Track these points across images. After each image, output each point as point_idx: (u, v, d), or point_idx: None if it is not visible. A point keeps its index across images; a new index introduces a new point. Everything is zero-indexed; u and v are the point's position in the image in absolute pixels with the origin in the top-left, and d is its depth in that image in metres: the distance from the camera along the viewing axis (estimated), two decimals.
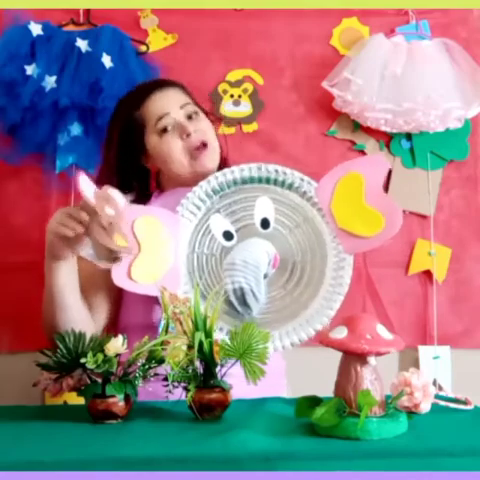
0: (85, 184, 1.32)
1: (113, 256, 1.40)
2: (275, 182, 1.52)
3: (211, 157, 1.59)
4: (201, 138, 1.58)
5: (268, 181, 1.52)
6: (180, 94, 1.63)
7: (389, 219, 1.45)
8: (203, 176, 1.55)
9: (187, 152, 1.58)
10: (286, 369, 1.67)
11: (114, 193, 1.33)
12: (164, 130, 1.59)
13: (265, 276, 1.46)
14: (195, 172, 1.58)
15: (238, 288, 1.42)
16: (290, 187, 1.51)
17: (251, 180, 1.52)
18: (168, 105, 1.59)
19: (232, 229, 1.51)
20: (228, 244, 1.50)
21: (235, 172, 1.52)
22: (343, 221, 1.48)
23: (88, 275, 1.50)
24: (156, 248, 1.47)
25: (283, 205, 1.52)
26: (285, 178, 1.51)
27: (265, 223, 1.51)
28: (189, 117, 1.59)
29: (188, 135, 1.57)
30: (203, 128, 1.60)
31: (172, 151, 1.59)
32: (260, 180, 1.52)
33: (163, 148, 1.59)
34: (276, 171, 1.51)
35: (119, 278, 1.44)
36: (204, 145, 1.58)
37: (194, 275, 1.49)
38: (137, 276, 1.44)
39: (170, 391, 1.22)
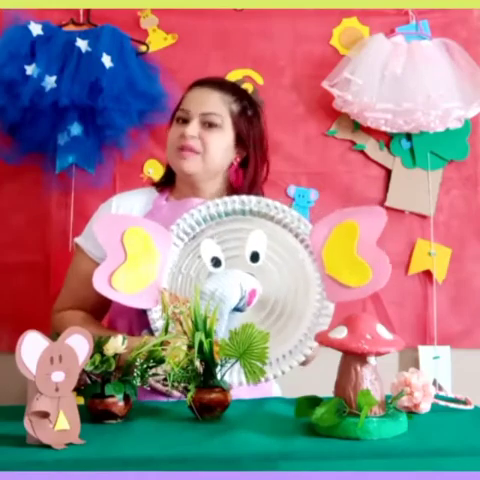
0: None
1: None
2: (272, 219, 1.52)
3: (194, 163, 1.58)
4: (192, 145, 1.57)
5: (265, 216, 1.52)
6: (220, 101, 1.60)
7: (377, 273, 1.44)
8: (187, 176, 1.59)
9: (177, 148, 1.59)
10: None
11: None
12: (178, 120, 1.61)
13: (239, 310, 1.45)
14: (178, 169, 1.61)
15: None
16: (286, 226, 1.51)
17: (250, 212, 1.52)
18: (194, 104, 1.60)
19: (221, 257, 1.50)
20: (215, 270, 1.49)
21: (236, 203, 1.52)
22: (331, 267, 1.47)
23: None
24: (142, 261, 1.45)
25: (276, 242, 1.51)
26: (283, 216, 1.51)
27: (255, 256, 1.50)
28: (209, 125, 1.59)
29: (182, 136, 1.58)
30: (208, 141, 1.58)
31: (169, 141, 1.62)
32: (258, 214, 1.52)
33: (169, 134, 1.64)
34: (275, 208, 1.51)
35: (100, 284, 1.43)
36: (191, 150, 1.58)
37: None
38: (118, 285, 1.43)
39: (170, 391, 1.22)
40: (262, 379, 1.40)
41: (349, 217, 1.48)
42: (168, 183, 1.67)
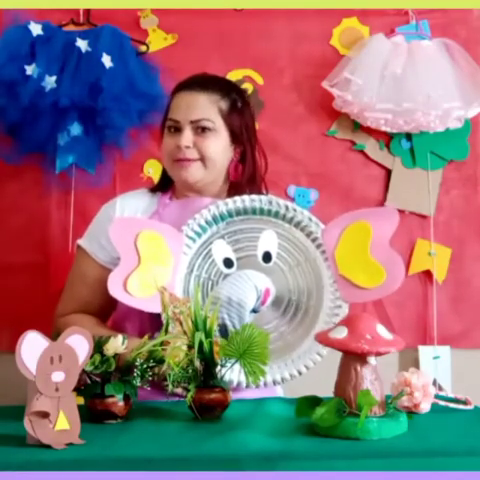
0: None
1: None
2: (283, 217, 1.51)
3: (195, 171, 1.56)
4: (188, 156, 1.55)
5: (276, 215, 1.51)
6: (207, 103, 1.56)
7: (391, 274, 1.45)
8: (190, 184, 1.57)
9: (174, 160, 1.57)
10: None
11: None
12: (170, 128, 1.58)
13: (255, 311, 1.44)
14: (179, 180, 1.59)
15: (221, 324, 1.39)
16: (297, 225, 1.51)
17: (260, 211, 1.51)
18: (182, 113, 1.56)
19: (233, 257, 1.49)
20: (227, 271, 1.48)
21: (245, 201, 1.50)
22: (345, 268, 1.47)
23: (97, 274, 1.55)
24: (155, 264, 1.45)
25: (287, 241, 1.51)
26: (294, 215, 1.50)
27: (267, 257, 1.50)
28: (202, 129, 1.55)
29: (177, 147, 1.55)
30: (205, 147, 1.55)
31: (165, 151, 1.60)
32: (269, 213, 1.51)
33: (163, 143, 1.61)
34: (286, 207, 1.50)
35: (115, 288, 1.42)
36: (189, 160, 1.56)
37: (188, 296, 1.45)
38: (132, 289, 1.42)
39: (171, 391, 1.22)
40: (269, 379, 1.41)
41: (361, 218, 1.48)
42: (166, 187, 1.65)
